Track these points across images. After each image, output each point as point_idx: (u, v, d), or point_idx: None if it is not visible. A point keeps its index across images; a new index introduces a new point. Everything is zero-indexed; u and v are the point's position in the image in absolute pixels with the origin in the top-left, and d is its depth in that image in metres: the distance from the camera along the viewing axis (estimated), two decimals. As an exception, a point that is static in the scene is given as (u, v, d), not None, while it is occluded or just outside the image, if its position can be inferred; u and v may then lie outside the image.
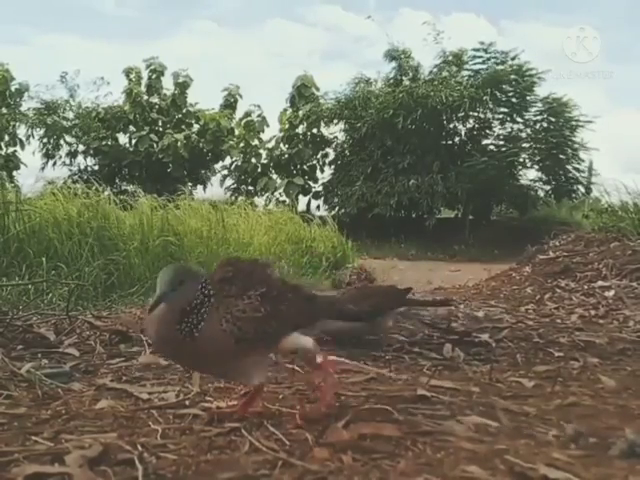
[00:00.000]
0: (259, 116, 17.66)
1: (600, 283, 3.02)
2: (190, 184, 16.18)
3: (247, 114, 17.80)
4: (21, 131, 17.37)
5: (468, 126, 16.09)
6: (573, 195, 15.25)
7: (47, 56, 30.63)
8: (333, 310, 1.18)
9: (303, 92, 16.87)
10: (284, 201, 16.53)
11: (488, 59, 14.95)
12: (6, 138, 17.17)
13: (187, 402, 1.12)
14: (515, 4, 30.22)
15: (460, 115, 15.09)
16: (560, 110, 14.34)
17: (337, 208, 16.01)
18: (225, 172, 18.09)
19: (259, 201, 15.73)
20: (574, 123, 14.36)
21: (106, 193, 4.99)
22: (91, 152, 17.52)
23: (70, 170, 17.78)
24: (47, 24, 34.63)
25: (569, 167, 14.89)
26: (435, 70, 15.64)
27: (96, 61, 32.05)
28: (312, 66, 31.98)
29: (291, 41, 29.57)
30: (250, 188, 17.67)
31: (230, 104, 18.14)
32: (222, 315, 0.94)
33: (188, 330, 0.92)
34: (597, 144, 14.83)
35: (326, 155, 17.64)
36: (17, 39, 33.76)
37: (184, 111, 18.04)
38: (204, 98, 19.37)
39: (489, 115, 15.58)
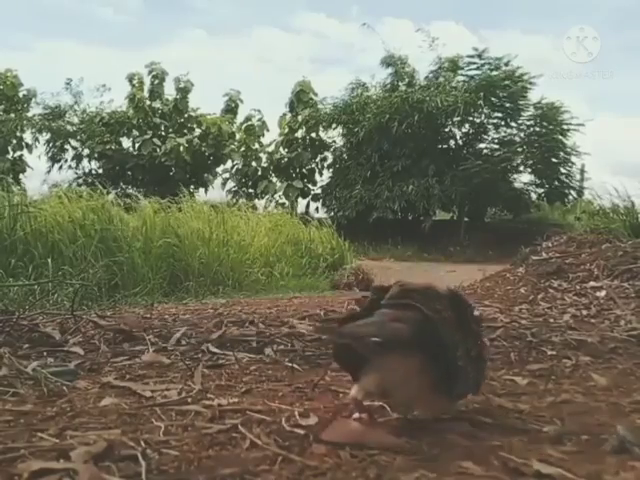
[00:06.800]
0: (259, 120, 17.75)
1: (592, 283, 3.04)
2: (192, 187, 16.26)
3: (248, 119, 17.90)
4: (27, 135, 17.57)
5: (463, 130, 16.23)
6: (565, 198, 15.40)
7: (47, 61, 30.80)
8: None
9: (302, 97, 16.97)
10: (284, 204, 16.60)
11: (482, 65, 15.11)
12: (13, 142, 17.33)
13: (189, 400, 1.13)
14: (493, 13, 30.71)
15: (456, 120, 15.20)
16: (551, 114, 14.48)
17: (335, 211, 16.09)
18: (226, 175, 18.19)
19: (259, 203, 15.86)
20: (565, 127, 14.50)
21: (110, 196, 5.03)
22: (95, 156, 17.65)
23: (76, 173, 18.02)
24: (47, 30, 34.85)
25: (561, 170, 15.04)
26: (431, 76, 15.79)
27: (95, 66, 32.31)
28: (302, 72, 32.45)
29: (279, 48, 29.99)
30: (250, 191, 17.75)
31: (231, 109, 18.26)
32: None
33: None
34: (585, 148, 15.01)
35: (325, 159, 17.74)
36: (17, 45, 33.96)
37: (186, 116, 18.15)
38: (199, 103, 19.57)
39: (484, 120, 15.71)
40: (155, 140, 17.31)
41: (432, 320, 0.87)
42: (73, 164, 17.96)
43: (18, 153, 17.68)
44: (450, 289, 0.96)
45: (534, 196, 16.02)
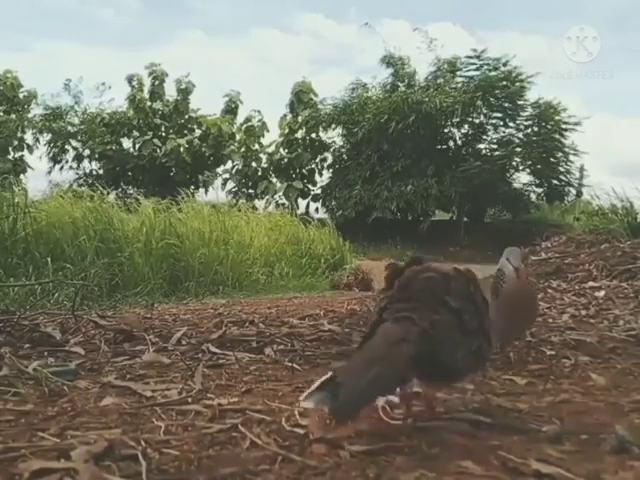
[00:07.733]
0: (259, 121, 17.78)
1: (591, 284, 3.05)
2: (192, 187, 16.27)
3: (248, 119, 17.93)
4: (28, 136, 17.65)
5: (462, 131, 16.28)
6: (564, 198, 15.44)
7: (47, 62, 30.89)
8: None
9: (302, 98, 17.00)
10: (284, 204, 16.61)
11: (481, 66, 15.17)
12: (14, 143, 17.39)
13: (189, 399, 1.13)
14: (490, 14, 30.92)
15: (455, 120, 15.24)
16: (549, 113, 14.52)
17: (335, 211, 16.12)
18: (226, 176, 18.21)
19: (259, 204, 15.89)
20: (563, 126, 14.55)
21: (111, 196, 5.06)
22: (96, 156, 17.69)
23: (76, 174, 18.11)
24: (47, 31, 34.97)
25: (560, 169, 15.08)
26: (430, 77, 15.84)
27: (95, 67, 32.42)
28: (302, 73, 32.75)
29: (278, 49, 30.14)
30: (250, 191, 17.78)
31: (231, 109, 18.29)
32: None
33: None
34: (584, 149, 15.05)
35: (324, 159, 17.79)
36: (17, 45, 34.02)
37: (186, 117, 18.18)
38: (199, 103, 19.65)
39: (483, 120, 15.75)
40: (155, 141, 17.35)
41: (430, 336, 0.89)
42: (74, 164, 18.08)
43: (19, 154, 17.78)
44: (452, 289, 0.96)
45: (533, 196, 16.12)
